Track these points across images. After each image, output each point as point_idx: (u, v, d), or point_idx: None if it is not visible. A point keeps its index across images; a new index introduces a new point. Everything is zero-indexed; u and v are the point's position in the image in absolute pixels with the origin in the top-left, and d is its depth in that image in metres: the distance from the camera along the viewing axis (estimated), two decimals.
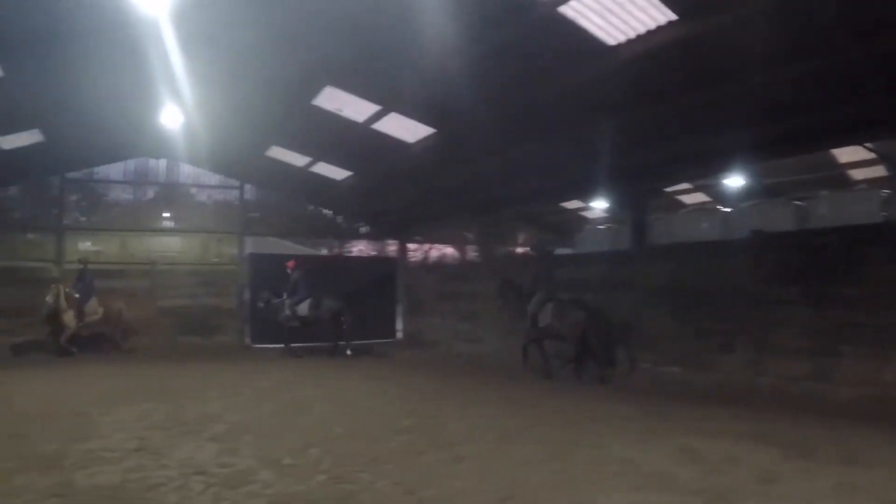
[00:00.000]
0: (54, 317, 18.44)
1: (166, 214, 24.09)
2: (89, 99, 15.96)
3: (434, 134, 16.22)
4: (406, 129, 16.47)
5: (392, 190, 21.48)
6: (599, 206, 24.93)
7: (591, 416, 9.55)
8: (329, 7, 11.44)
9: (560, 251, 21.09)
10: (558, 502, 5.93)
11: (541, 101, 13.44)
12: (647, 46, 10.44)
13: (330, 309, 18.62)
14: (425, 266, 26.20)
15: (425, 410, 10.39)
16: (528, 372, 14.74)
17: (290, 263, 19.74)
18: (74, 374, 15.39)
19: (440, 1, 10.71)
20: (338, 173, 21.64)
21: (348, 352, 18.48)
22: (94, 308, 19.14)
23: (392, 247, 27.53)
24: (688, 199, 24.81)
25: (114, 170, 23.71)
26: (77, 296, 18.72)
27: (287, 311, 18.93)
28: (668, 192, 22.52)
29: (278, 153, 20.87)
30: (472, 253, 30.06)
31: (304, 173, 21.99)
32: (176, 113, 16.06)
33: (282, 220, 25.33)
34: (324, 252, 28.16)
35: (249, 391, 12.67)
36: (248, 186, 24.60)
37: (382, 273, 24.36)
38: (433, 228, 27.41)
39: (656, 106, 12.35)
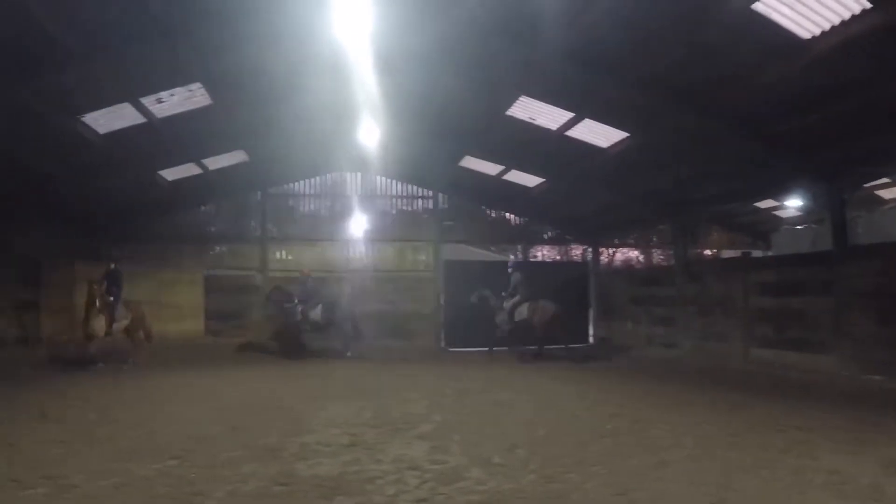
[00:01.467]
0: (83, 322, 16.33)
1: (363, 224, 24.97)
2: (290, 120, 17.10)
3: (627, 138, 16.20)
4: (599, 134, 16.55)
5: (585, 195, 21.55)
6: (794, 204, 24.11)
7: (798, 425, 9.31)
8: (522, 20, 11.72)
9: (755, 254, 20.62)
10: None
11: (736, 100, 13.29)
12: (843, 37, 10.22)
13: (343, 313, 19.80)
14: (617, 270, 25.94)
15: (627, 414, 10.40)
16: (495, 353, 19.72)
17: (305, 271, 20.69)
18: (284, 372, 16.38)
19: (632, 8, 10.82)
20: (530, 180, 21.86)
21: (348, 353, 19.58)
22: (123, 313, 17.46)
23: (578, 250, 27.47)
24: (888, 194, 23.63)
25: (312, 184, 25.20)
26: (111, 299, 16.79)
27: (298, 316, 19.58)
28: (868, 188, 21.54)
29: (472, 163, 21.33)
30: (665, 256, 29.60)
31: (497, 181, 22.36)
32: (372, 129, 16.77)
33: (474, 228, 25.79)
34: (511, 258, 28.39)
35: (451, 392, 13.01)
36: (441, 196, 25.42)
37: (574, 277, 24.41)
38: (626, 232, 27.19)
39: (854, 98, 11.95)
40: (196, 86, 14.37)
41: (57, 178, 17.35)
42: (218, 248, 24.73)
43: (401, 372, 16.51)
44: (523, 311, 19.04)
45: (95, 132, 15.23)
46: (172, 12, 11.17)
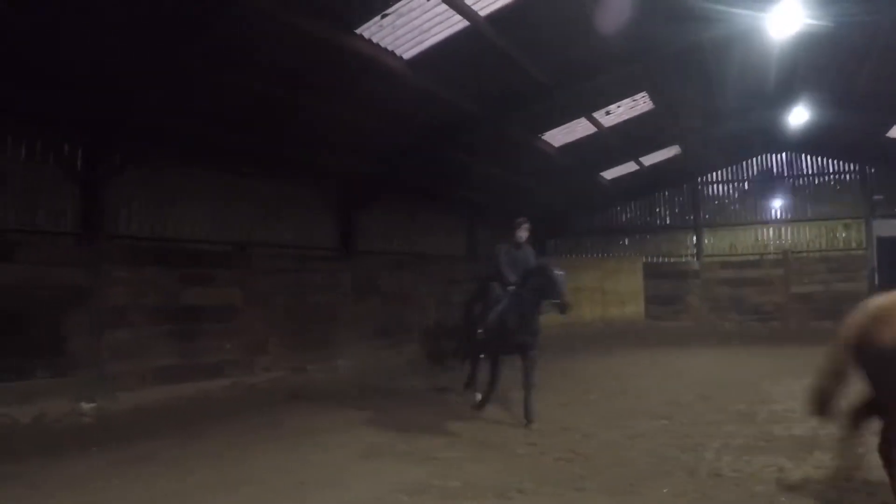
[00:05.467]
0: None
1: (790, 205, 25.07)
2: (723, 112, 18.37)
3: None
4: None
5: None
6: None
7: None
8: None
9: None
10: None
11: None
12: None
13: None
14: None
15: None
16: None
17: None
18: (724, 351, 17.54)
19: None
20: None
21: None
22: None
23: None
24: None
25: (739, 169, 25.84)
26: None
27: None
28: None
29: None
30: None
31: None
32: (799, 109, 17.53)
33: None
34: None
35: None
36: (869, 169, 24.38)
37: None
38: None
39: None
40: (641, 95, 16.18)
41: (517, 185, 20.32)
42: (651, 236, 26.27)
43: None
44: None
45: (552, 145, 17.75)
46: (626, 44, 12.82)
